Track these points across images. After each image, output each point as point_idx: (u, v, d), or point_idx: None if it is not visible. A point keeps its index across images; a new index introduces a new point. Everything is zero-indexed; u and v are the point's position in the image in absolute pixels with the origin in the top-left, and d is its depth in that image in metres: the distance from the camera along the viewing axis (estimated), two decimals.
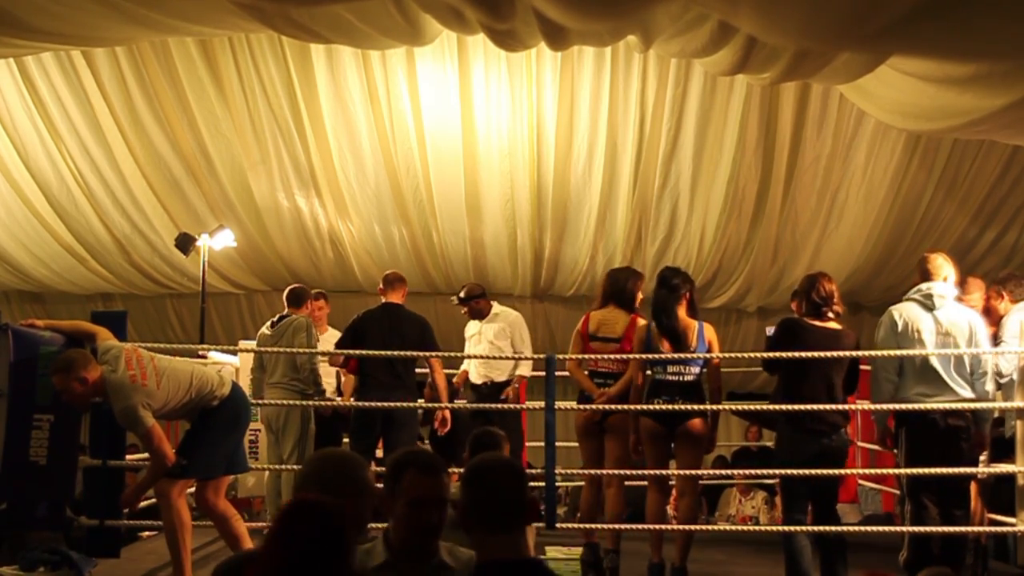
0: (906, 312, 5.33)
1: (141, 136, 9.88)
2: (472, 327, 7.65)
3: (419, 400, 7.07)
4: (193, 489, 5.06)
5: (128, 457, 6.23)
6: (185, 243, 9.55)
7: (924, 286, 5.35)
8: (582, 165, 9.85)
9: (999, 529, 5.60)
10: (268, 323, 6.97)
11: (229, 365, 7.55)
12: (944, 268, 5.43)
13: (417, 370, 6.79)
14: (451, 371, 7.62)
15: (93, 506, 5.70)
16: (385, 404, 6.15)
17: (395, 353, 6.22)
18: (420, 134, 9.70)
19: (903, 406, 5.29)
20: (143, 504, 5.57)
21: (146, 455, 4.99)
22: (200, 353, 7.40)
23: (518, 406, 8.10)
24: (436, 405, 6.69)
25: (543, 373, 5.63)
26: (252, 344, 7.18)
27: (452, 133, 9.68)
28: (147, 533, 6.64)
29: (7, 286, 11.93)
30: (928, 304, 5.30)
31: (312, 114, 9.59)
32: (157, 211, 10.57)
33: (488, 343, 7.45)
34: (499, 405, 7.13)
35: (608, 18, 5.11)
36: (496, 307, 7.65)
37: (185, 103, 9.60)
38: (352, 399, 6.63)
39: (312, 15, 5.37)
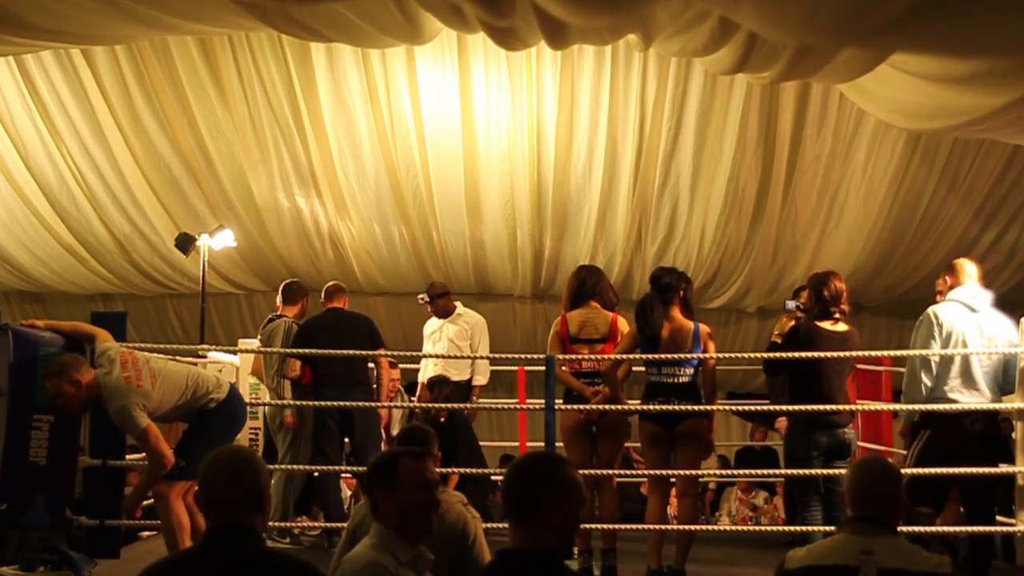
0: (950, 313, 5.31)
1: (141, 136, 9.87)
2: (432, 325, 7.69)
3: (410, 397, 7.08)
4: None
5: (128, 457, 6.22)
6: (185, 243, 9.55)
7: (966, 289, 5.35)
8: (582, 165, 9.84)
9: (1000, 529, 5.59)
10: (265, 320, 7.02)
11: (229, 364, 7.55)
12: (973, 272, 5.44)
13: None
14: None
15: (93, 506, 5.69)
16: (384, 405, 6.15)
17: (349, 352, 6.20)
18: (420, 134, 9.69)
19: (936, 407, 5.30)
20: (144, 503, 5.57)
21: (145, 455, 4.99)
22: (200, 353, 7.41)
23: (516, 405, 8.11)
24: (424, 404, 6.70)
25: (541, 368, 5.63)
26: (252, 342, 7.20)
27: (452, 133, 9.67)
28: (147, 533, 6.64)
29: (7, 286, 11.93)
30: (972, 307, 5.31)
31: (312, 114, 9.58)
32: (157, 211, 10.57)
33: (448, 341, 7.49)
34: (465, 406, 7.18)
35: (608, 14, 5.09)
36: (460, 308, 7.71)
37: (185, 103, 9.60)
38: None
39: (312, 13, 5.36)
